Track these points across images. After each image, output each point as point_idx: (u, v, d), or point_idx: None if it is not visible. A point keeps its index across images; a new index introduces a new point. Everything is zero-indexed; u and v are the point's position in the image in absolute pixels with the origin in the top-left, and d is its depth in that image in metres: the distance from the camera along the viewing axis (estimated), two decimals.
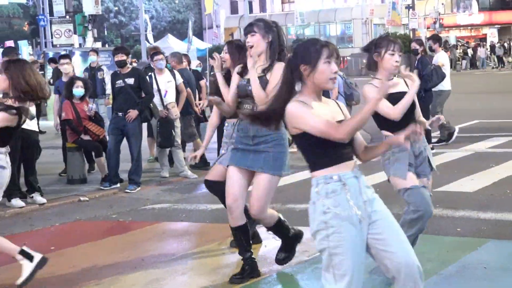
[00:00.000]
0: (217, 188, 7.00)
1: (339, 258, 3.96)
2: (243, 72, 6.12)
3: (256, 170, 5.95)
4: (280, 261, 6.44)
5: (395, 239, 4.07)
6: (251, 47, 5.91)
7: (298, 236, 6.56)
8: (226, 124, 6.92)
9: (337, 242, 3.94)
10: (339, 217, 3.95)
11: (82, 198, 10.41)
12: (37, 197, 10.04)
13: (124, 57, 10.45)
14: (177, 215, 9.20)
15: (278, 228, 6.40)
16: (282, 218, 6.41)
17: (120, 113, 10.74)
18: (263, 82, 5.86)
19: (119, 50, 10.71)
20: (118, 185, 10.96)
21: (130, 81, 10.39)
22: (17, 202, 9.75)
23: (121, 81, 10.71)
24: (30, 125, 9.80)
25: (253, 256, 6.31)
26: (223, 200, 6.81)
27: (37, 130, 10.27)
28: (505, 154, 12.50)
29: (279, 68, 5.54)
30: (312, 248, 7.11)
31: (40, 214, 9.61)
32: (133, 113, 10.62)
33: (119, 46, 11.76)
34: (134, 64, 15.92)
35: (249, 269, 6.22)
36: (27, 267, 6.16)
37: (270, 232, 6.64)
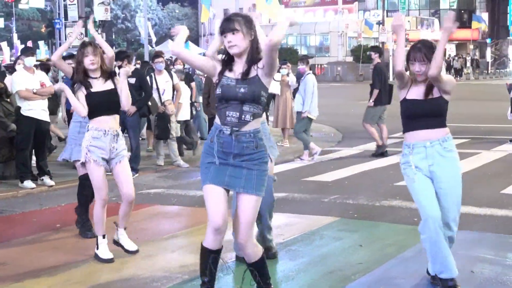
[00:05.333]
0: None
1: None
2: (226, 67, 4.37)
3: (238, 191, 4.41)
4: None
5: None
6: (234, 46, 4.27)
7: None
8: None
9: None
10: None
11: None
12: (47, 180, 9.96)
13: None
14: (169, 199, 9.16)
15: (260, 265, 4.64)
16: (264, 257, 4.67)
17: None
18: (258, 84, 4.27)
19: (121, 54, 10.60)
20: None
21: (132, 80, 10.28)
22: (28, 183, 9.68)
23: None
24: (42, 116, 9.73)
25: None
26: None
27: (48, 120, 10.14)
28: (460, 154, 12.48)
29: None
30: (286, 232, 7.12)
31: (49, 195, 9.55)
32: (132, 109, 10.44)
33: (120, 51, 11.61)
34: (138, 66, 15.75)
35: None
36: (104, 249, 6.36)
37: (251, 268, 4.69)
